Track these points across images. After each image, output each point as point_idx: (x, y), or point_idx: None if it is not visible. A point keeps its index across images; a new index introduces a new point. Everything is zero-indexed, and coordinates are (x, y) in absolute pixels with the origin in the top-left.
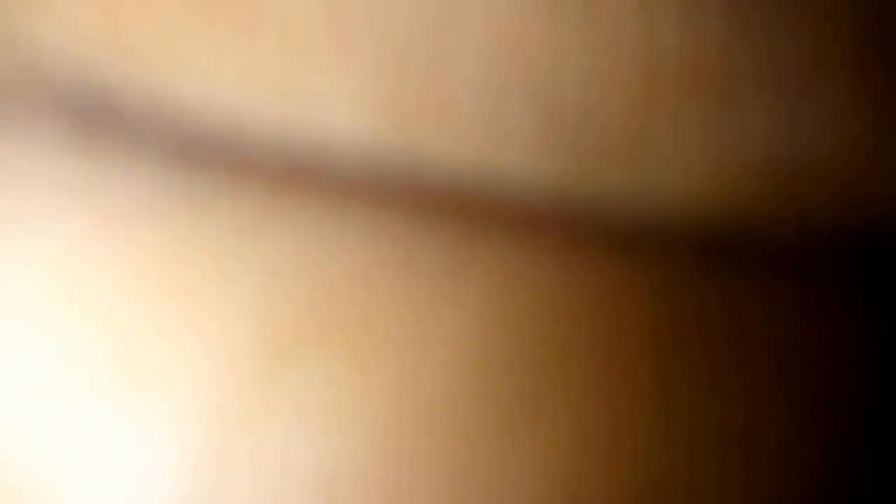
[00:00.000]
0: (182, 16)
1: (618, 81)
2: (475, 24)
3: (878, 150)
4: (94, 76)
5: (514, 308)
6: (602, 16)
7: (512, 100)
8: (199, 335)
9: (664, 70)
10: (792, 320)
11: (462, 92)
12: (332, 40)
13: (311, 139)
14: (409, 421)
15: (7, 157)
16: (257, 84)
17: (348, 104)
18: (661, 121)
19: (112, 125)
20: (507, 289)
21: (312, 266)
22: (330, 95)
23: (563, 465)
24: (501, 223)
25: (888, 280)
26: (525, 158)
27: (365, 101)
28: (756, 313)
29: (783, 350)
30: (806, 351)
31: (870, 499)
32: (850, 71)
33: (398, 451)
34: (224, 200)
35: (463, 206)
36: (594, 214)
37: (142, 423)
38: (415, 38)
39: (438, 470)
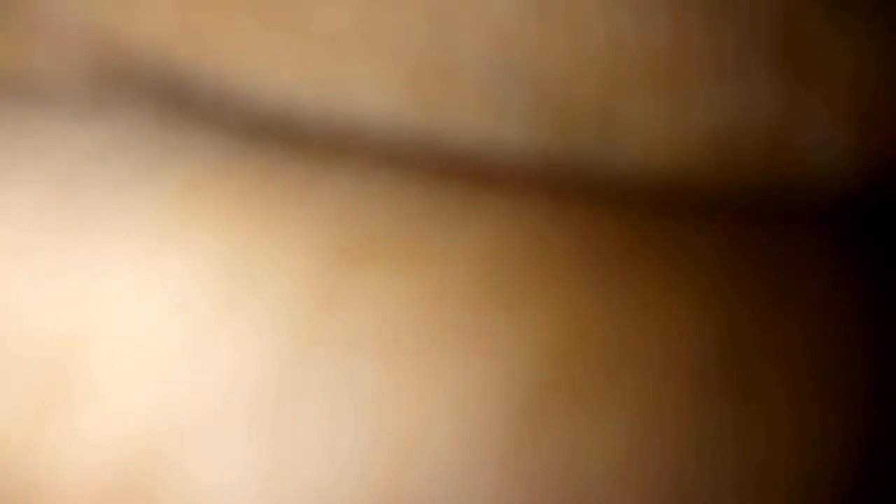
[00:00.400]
0: (244, 18)
1: (591, 68)
2: (476, 23)
3: (794, 120)
4: (172, 66)
5: (509, 250)
6: (577, 15)
7: (507, 83)
8: (266, 267)
9: (627, 58)
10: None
11: (466, 78)
12: (363, 40)
13: (347, 118)
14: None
15: (107, 133)
16: (304, 75)
17: (375, 89)
18: (625, 99)
19: (189, 108)
20: (504, 234)
21: (351, 216)
22: (361, 83)
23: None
24: (499, 183)
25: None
26: (518, 130)
27: (388, 87)
28: (702, 253)
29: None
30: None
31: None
32: (774, 56)
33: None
34: (280, 168)
35: (468, 168)
36: (574, 176)
37: (233, 333)
38: (427, 37)
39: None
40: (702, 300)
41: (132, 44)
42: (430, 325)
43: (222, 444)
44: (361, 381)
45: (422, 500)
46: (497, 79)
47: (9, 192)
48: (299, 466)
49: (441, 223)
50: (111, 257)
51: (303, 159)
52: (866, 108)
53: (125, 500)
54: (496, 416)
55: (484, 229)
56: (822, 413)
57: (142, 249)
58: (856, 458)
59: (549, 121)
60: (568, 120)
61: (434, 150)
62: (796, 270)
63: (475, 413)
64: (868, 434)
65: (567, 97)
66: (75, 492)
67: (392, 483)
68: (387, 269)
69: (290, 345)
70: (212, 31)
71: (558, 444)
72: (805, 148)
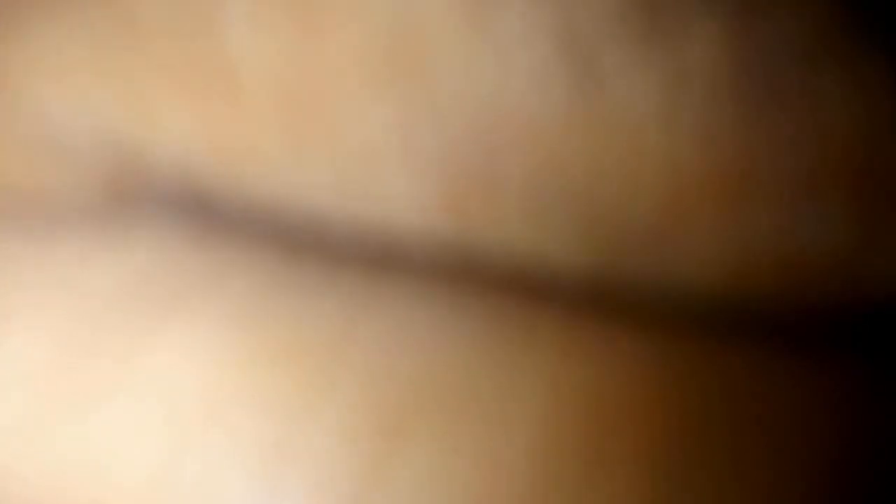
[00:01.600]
0: (273, 131)
1: (644, 187)
2: (521, 137)
3: (862, 249)
4: (195, 179)
5: (569, 405)
6: (630, 131)
7: (554, 201)
8: (307, 428)
9: (684, 178)
10: (795, 394)
11: (511, 195)
12: (400, 151)
13: (383, 238)
14: (494, 483)
15: (131, 260)
16: (337, 191)
17: (414, 205)
18: (681, 221)
19: (216, 223)
20: (563, 382)
21: (395, 367)
22: (399, 197)
23: None
24: (549, 309)
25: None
26: (566, 252)
27: (428, 203)
28: (765, 387)
29: (790, 421)
30: (810, 420)
31: None
32: (844, 186)
33: None
34: (316, 304)
35: (515, 293)
36: (627, 301)
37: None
38: (470, 151)
39: None
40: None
41: (151, 153)
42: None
43: None
44: None
45: None
46: (544, 196)
47: (15, 337)
48: None
49: (494, 367)
50: (132, 421)
51: (339, 290)
52: None
53: None
54: None
55: (542, 373)
56: None
57: (165, 413)
58: None
59: (601, 242)
60: (621, 241)
61: (478, 272)
62: (850, 408)
63: None
64: None
65: (620, 217)
66: None
67: None
68: (435, 438)
69: None
70: (238, 145)
71: None
72: (880, 278)
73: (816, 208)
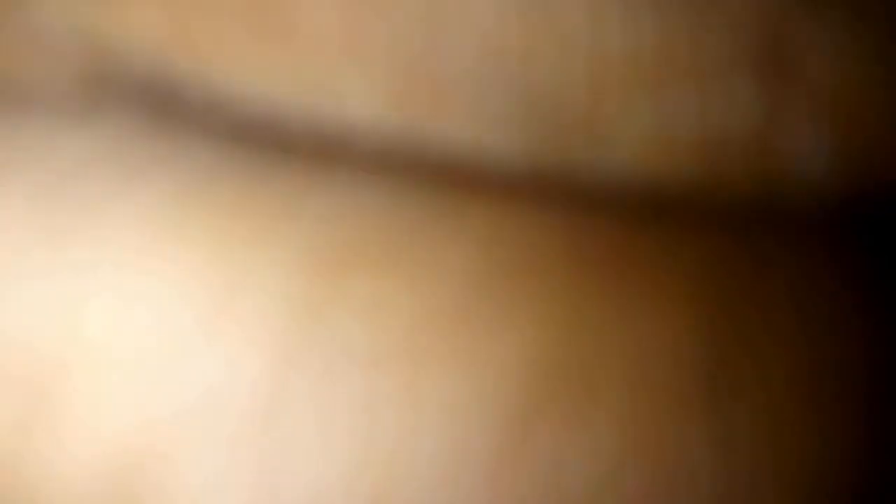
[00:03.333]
0: (234, 24)
1: (577, 75)
2: (463, 31)
3: (777, 125)
4: (162, 71)
5: (496, 260)
6: (563, 25)
7: (495, 92)
8: (253, 277)
9: (611, 63)
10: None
11: (453, 85)
12: (351, 48)
13: (336, 125)
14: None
15: (95, 139)
16: (293, 81)
17: (364, 96)
18: (611, 105)
19: (178, 113)
20: (492, 244)
21: (339, 226)
22: (350, 90)
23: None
24: (487, 191)
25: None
26: (506, 138)
27: (376, 94)
28: (688, 262)
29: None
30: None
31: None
32: (749, 67)
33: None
34: (269, 176)
35: (457, 177)
36: (562, 183)
37: (220, 345)
38: (414, 44)
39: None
40: (688, 311)
41: (122, 48)
42: (417, 335)
43: (210, 458)
44: (349, 390)
45: None
46: (485, 87)
47: (5, 199)
48: (287, 478)
49: (430, 232)
50: (96, 269)
51: (292, 167)
52: (850, 111)
53: None
54: (481, 427)
55: (472, 239)
56: (812, 425)
57: (126, 261)
58: (853, 471)
59: (537, 128)
60: (556, 127)
61: (422, 158)
62: (781, 279)
63: (461, 424)
64: (865, 445)
65: (554, 105)
66: None
67: (380, 492)
68: (374, 279)
69: (277, 355)
70: (201, 36)
71: (542, 457)
72: (789, 153)
73: (725, 88)
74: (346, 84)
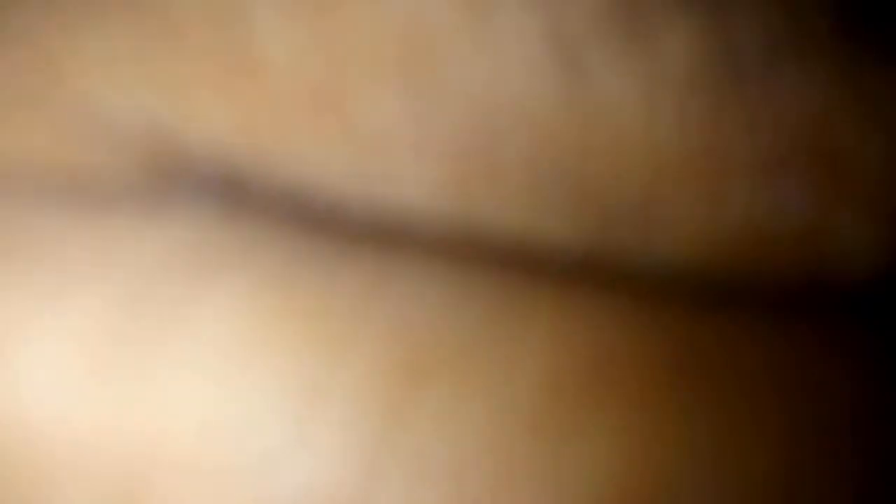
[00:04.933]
0: (297, 118)
1: (628, 167)
2: (518, 123)
3: (825, 222)
4: (226, 162)
5: (568, 353)
6: (614, 116)
7: (549, 180)
8: (333, 383)
9: (662, 159)
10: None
11: (509, 175)
12: (410, 138)
13: (397, 215)
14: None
15: (167, 236)
16: (354, 172)
17: (423, 186)
18: (661, 197)
19: (244, 205)
20: (561, 335)
21: (412, 325)
22: (410, 179)
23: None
24: (549, 280)
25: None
26: (561, 226)
27: (436, 184)
28: (745, 349)
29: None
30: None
31: None
32: (798, 167)
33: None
34: (341, 269)
35: (517, 265)
36: (615, 270)
37: (304, 453)
38: (473, 136)
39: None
40: (771, 417)
41: (189, 143)
42: (496, 444)
43: None
44: (430, 499)
45: None
46: (540, 176)
47: (71, 308)
48: None
49: (499, 326)
50: (181, 373)
51: (359, 260)
52: (893, 210)
53: None
54: None
55: (540, 333)
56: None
57: (211, 365)
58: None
59: (591, 217)
60: (609, 216)
61: (483, 246)
62: (819, 368)
63: None
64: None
65: (607, 194)
66: None
67: None
68: (450, 384)
69: (362, 462)
70: (265, 130)
71: None
72: (835, 250)
73: (776, 187)
74: (405, 175)
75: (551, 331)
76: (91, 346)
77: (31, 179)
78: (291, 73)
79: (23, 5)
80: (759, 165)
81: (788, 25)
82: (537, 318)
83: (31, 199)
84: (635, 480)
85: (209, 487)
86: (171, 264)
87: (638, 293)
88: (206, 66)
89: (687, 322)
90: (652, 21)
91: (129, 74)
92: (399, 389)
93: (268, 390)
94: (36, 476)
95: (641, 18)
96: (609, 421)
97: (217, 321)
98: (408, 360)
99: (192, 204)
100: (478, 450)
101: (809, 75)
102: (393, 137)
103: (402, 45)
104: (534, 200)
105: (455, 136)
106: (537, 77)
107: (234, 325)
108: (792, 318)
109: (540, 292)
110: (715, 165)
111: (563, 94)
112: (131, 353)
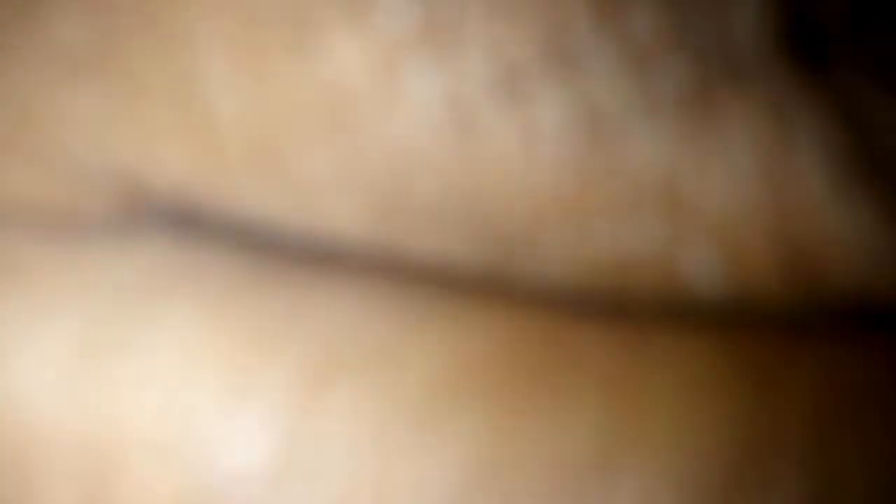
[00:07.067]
0: (243, 163)
1: (514, 204)
2: (423, 170)
3: (673, 250)
4: (187, 200)
5: (446, 355)
6: (500, 164)
7: (449, 214)
8: (266, 374)
9: (540, 198)
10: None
11: (419, 211)
12: (337, 180)
13: (329, 241)
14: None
15: (136, 261)
16: (290, 207)
17: (350, 219)
18: (542, 229)
19: (201, 232)
20: (442, 340)
21: (332, 335)
22: (338, 214)
23: None
24: (454, 292)
25: None
26: (462, 251)
27: (359, 218)
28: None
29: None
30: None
31: None
32: (652, 207)
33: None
34: (277, 286)
35: (421, 281)
36: (508, 286)
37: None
38: (388, 179)
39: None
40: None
41: (153, 185)
42: (385, 436)
43: None
44: (327, 481)
45: None
46: (443, 211)
47: (54, 323)
48: None
49: (399, 336)
50: (142, 375)
51: (295, 279)
52: (734, 237)
53: None
54: None
55: (434, 341)
56: None
57: (166, 369)
58: None
59: (487, 243)
60: (502, 244)
61: (396, 268)
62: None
63: None
64: None
65: (498, 225)
66: None
67: None
68: (353, 385)
69: (278, 452)
70: (217, 174)
71: None
72: (690, 272)
73: (633, 223)
74: (332, 209)
75: (441, 340)
76: (69, 355)
77: (19, 216)
78: (237, 126)
79: (5, 67)
80: (618, 205)
81: (641, 91)
82: (431, 329)
83: (19, 232)
84: (488, 470)
85: (160, 465)
86: (137, 286)
87: (526, 308)
88: (166, 120)
89: (567, 332)
90: (530, 89)
91: (100, 126)
92: (315, 388)
93: (210, 388)
94: (21, 456)
95: (521, 86)
96: (475, 420)
97: (172, 332)
98: (323, 364)
99: (154, 236)
100: (371, 440)
101: (656, 131)
102: (321, 180)
103: (327, 104)
104: (439, 230)
105: (372, 179)
106: (438, 131)
107: (184, 336)
108: (654, 334)
109: (437, 306)
110: (582, 204)
111: (458, 145)
112: (102, 361)
